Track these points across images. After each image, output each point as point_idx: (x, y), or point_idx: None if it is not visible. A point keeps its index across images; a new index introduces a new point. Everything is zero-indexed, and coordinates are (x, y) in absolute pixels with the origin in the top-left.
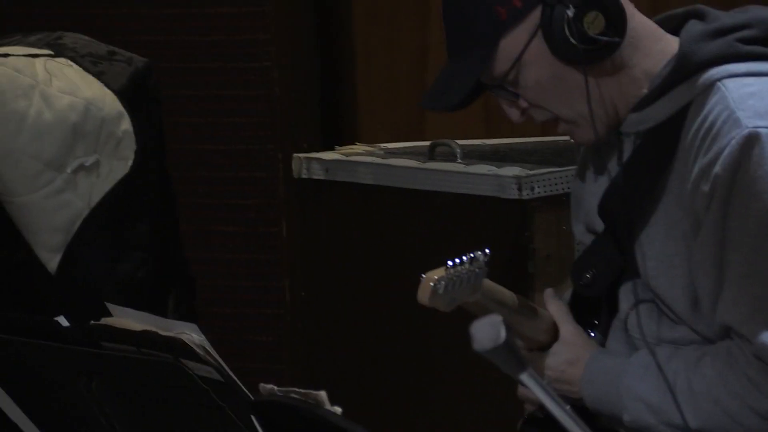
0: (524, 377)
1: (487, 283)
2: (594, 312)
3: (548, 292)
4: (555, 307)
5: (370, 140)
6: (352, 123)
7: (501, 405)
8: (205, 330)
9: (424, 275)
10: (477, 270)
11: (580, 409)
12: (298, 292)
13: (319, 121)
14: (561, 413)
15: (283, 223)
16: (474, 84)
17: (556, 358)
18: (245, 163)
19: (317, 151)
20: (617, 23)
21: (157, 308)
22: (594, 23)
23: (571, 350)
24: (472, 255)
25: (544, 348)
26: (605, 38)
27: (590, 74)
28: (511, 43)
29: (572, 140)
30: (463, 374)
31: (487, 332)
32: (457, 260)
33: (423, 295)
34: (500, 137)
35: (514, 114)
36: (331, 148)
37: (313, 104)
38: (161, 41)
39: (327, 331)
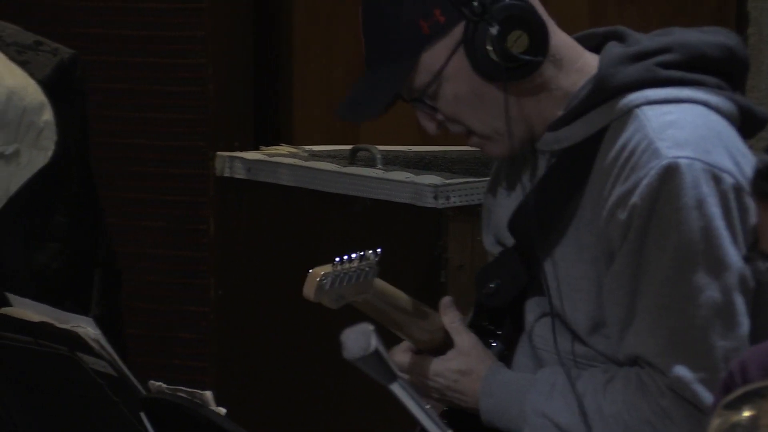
0: (395, 387)
1: (379, 283)
2: (497, 322)
3: (445, 302)
4: (450, 317)
5: (304, 142)
6: (287, 124)
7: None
8: (128, 325)
9: (310, 270)
10: (367, 269)
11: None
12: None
13: (252, 121)
14: (431, 425)
15: (211, 221)
16: (393, 96)
17: (449, 365)
18: (176, 160)
19: (249, 151)
20: (540, 43)
21: (79, 300)
22: (517, 42)
23: (465, 361)
24: (362, 253)
25: (436, 349)
26: (528, 57)
27: (510, 91)
28: (432, 57)
29: (483, 153)
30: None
31: (358, 340)
32: (345, 257)
33: (309, 290)
34: (434, 145)
35: (430, 126)
36: None
37: (246, 103)
38: (96, 34)
39: (245, 329)
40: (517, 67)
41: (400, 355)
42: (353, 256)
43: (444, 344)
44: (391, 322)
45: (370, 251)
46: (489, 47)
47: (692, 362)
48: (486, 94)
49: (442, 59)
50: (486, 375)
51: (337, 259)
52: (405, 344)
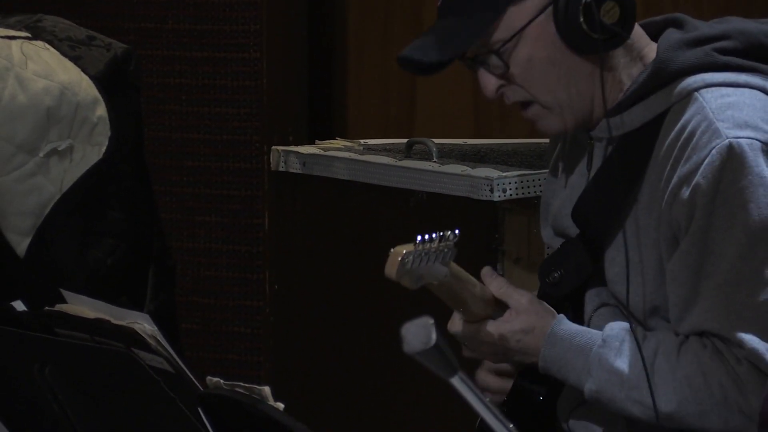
0: (455, 380)
1: (454, 266)
2: (558, 312)
3: (487, 271)
4: (497, 284)
5: (359, 136)
6: (342, 118)
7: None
8: (184, 319)
9: (392, 249)
10: (446, 249)
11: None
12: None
13: (307, 115)
14: (492, 419)
15: (266, 216)
16: (471, 44)
17: (511, 327)
18: (231, 154)
19: (304, 145)
20: (629, 17)
21: (134, 296)
22: (610, 13)
23: (526, 319)
24: (441, 233)
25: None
26: (618, 29)
27: (581, 66)
28: (517, 14)
29: (537, 126)
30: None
31: (418, 334)
32: (426, 237)
33: (390, 269)
34: (490, 137)
35: (489, 88)
36: None
37: (301, 97)
38: (150, 29)
39: (300, 324)
40: (604, 40)
41: (456, 325)
42: (434, 235)
43: (494, 314)
44: (459, 302)
45: (449, 231)
46: (581, 14)
47: (765, 334)
48: (561, 62)
49: (527, 18)
50: (552, 325)
51: (419, 238)
52: (457, 315)
